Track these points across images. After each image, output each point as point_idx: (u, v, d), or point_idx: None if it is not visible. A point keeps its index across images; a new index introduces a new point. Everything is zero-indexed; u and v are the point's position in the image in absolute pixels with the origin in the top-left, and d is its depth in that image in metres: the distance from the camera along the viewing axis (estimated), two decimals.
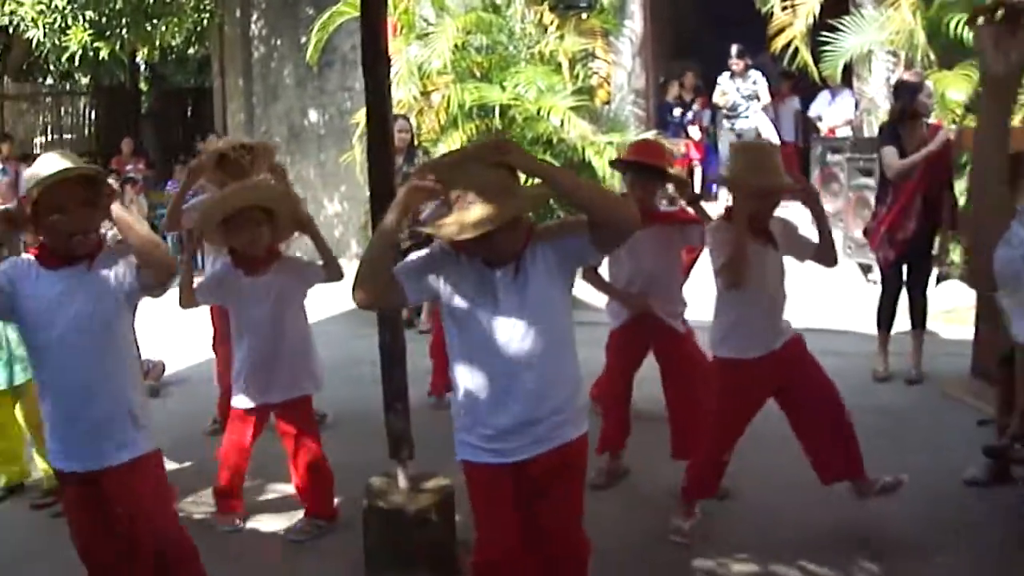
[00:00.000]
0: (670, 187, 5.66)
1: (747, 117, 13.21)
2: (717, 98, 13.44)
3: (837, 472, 4.76)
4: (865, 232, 7.84)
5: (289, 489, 5.26)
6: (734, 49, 13.09)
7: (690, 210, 5.42)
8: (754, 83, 13.21)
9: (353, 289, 3.19)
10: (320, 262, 4.94)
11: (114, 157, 16.84)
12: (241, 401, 4.96)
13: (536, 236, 3.26)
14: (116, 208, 3.52)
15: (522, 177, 3.25)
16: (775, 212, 4.59)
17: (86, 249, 3.54)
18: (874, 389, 7.04)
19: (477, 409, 3.30)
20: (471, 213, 3.06)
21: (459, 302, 3.25)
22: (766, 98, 13.31)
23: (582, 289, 5.28)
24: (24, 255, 3.69)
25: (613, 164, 5.80)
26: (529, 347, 3.20)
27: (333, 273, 4.92)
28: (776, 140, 13.10)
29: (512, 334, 3.20)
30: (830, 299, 9.61)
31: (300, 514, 5.09)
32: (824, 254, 4.63)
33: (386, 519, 4.38)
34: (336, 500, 5.12)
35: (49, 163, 3.46)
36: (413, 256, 3.36)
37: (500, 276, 3.21)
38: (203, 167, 5.56)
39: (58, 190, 3.42)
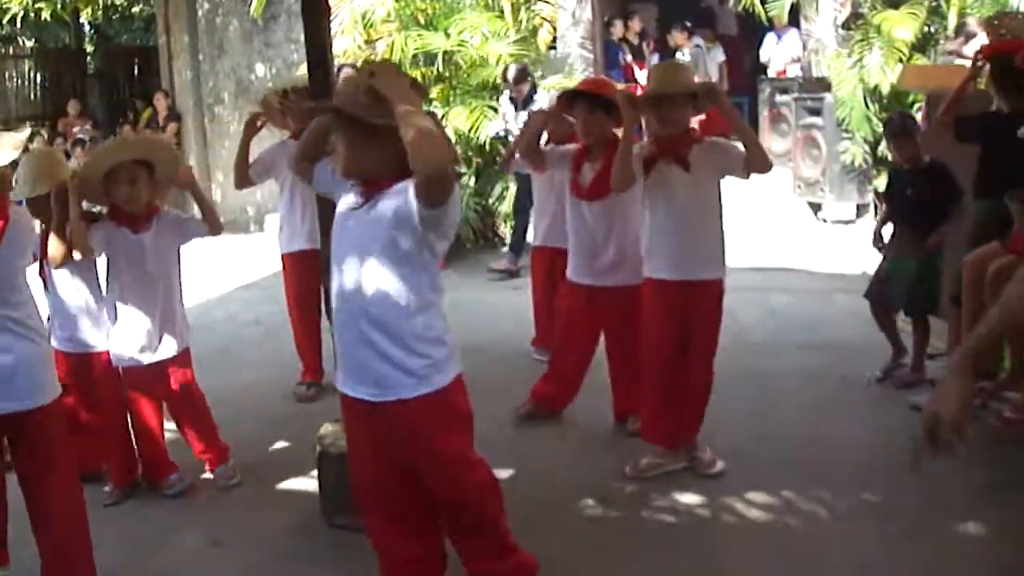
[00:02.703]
0: None
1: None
2: (498, 128, 9.65)
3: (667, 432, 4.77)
4: None
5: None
6: (512, 71, 9.36)
7: None
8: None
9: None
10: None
11: (61, 119, 16.61)
12: (124, 353, 4.77)
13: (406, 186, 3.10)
14: None
15: None
16: (687, 129, 4.63)
17: None
18: (824, 325, 7.13)
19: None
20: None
21: (338, 213, 3.38)
22: None
23: None
24: None
25: (559, 98, 5.67)
26: (360, 287, 3.25)
27: (214, 227, 4.90)
28: None
29: (348, 268, 3.27)
30: (781, 238, 9.71)
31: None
32: (753, 157, 4.45)
33: (338, 463, 4.39)
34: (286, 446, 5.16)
35: None
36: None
37: (355, 201, 3.25)
38: (304, 113, 5.60)
39: None
